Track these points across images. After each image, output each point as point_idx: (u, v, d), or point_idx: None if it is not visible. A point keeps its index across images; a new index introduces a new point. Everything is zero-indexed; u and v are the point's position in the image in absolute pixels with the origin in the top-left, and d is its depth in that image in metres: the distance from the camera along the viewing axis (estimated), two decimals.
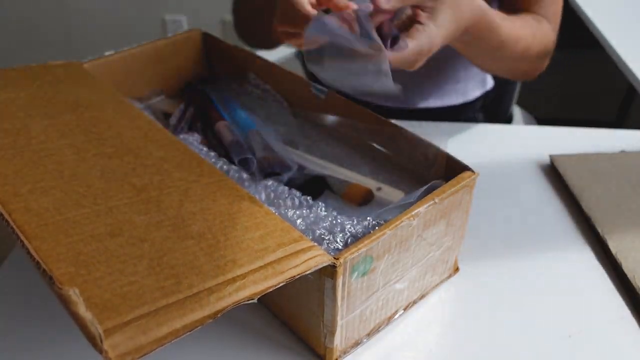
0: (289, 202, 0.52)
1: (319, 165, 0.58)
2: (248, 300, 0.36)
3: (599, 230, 0.63)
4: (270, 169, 0.57)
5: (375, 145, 0.58)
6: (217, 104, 0.68)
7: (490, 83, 1.02)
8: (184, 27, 2.14)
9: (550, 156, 0.75)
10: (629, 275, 0.57)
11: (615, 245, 0.61)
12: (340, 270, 0.40)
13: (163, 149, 0.50)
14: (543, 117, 1.21)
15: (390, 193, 0.55)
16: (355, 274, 0.42)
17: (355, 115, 0.58)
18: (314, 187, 0.56)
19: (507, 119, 1.09)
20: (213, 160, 0.57)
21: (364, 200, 0.54)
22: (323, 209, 0.51)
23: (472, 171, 0.50)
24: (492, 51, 0.69)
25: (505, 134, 0.81)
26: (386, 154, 0.57)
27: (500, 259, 0.61)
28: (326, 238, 0.47)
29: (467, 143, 0.79)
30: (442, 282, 0.55)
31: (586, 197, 0.68)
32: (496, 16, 0.65)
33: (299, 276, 0.38)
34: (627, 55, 1.09)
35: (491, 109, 1.02)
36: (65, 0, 2.12)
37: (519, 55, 0.71)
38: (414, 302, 0.53)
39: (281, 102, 0.64)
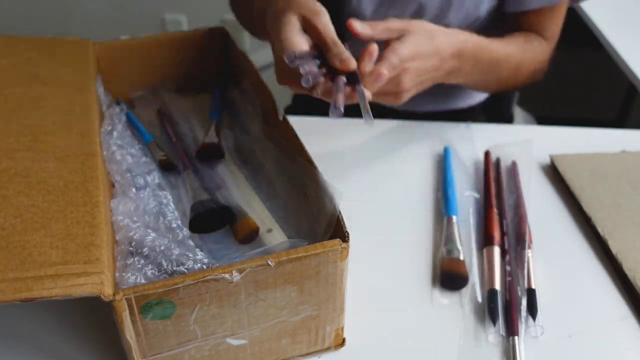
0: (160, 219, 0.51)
1: (236, 190, 0.57)
2: None
3: (600, 230, 0.63)
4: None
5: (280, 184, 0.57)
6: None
7: None
8: (183, 27, 2.14)
9: (551, 156, 0.74)
10: (630, 275, 0.57)
11: (615, 245, 0.60)
12: (120, 305, 0.39)
13: (67, 140, 0.51)
14: (543, 116, 1.21)
15: (278, 238, 0.51)
16: (150, 314, 0.41)
17: (292, 145, 0.56)
18: (219, 217, 0.54)
19: (508, 119, 1.09)
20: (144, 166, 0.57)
21: (246, 237, 0.52)
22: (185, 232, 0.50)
23: (345, 240, 0.44)
24: (487, 72, 0.72)
25: (506, 134, 0.81)
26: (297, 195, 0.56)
27: None
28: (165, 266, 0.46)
29: (467, 143, 0.78)
30: (314, 352, 0.51)
31: (586, 197, 0.67)
32: (482, 40, 0.69)
33: (53, 298, 0.38)
34: (628, 55, 1.09)
35: (492, 110, 1.02)
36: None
37: (512, 72, 0.75)
38: None
39: (258, 115, 0.65)
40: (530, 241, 0.62)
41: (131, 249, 0.47)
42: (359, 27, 0.61)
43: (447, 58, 0.65)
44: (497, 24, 0.88)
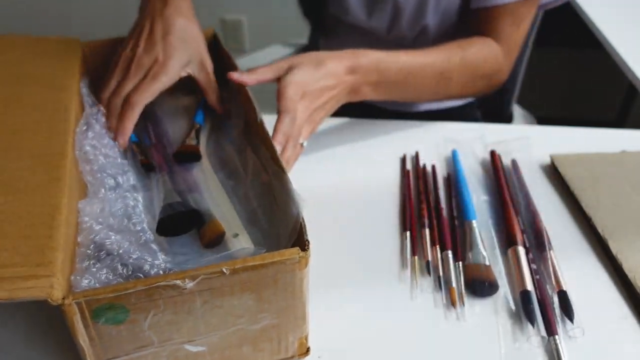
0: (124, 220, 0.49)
1: (209, 194, 0.55)
2: None
3: (600, 230, 0.61)
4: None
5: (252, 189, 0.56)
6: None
7: None
8: None
9: (551, 156, 0.73)
10: (630, 275, 0.56)
11: (615, 246, 0.59)
12: (70, 309, 0.38)
13: (39, 140, 0.49)
14: (543, 116, 1.20)
15: (243, 243, 0.49)
16: (102, 319, 0.40)
17: (267, 149, 0.55)
18: (187, 220, 0.52)
19: (507, 118, 1.09)
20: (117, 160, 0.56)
21: (211, 242, 0.50)
22: (149, 235, 0.48)
23: (304, 249, 0.42)
24: (402, 83, 0.72)
25: (506, 133, 0.81)
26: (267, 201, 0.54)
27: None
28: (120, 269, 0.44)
29: (467, 143, 0.78)
30: None
31: (586, 197, 0.66)
32: (386, 53, 0.69)
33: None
34: (628, 55, 1.08)
35: (491, 108, 1.02)
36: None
37: (437, 79, 0.74)
38: None
39: (240, 117, 0.63)
40: (549, 241, 0.60)
41: (89, 251, 0.45)
42: (240, 76, 0.61)
43: (341, 75, 0.66)
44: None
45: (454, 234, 0.61)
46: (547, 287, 0.55)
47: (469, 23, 0.81)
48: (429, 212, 0.64)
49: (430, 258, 0.59)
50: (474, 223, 0.62)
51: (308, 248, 0.42)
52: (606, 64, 1.25)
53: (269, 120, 0.57)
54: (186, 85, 0.75)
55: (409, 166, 0.74)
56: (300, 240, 0.44)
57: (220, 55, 0.72)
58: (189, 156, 0.60)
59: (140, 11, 0.67)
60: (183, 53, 0.62)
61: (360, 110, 1.00)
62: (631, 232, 0.61)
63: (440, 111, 0.96)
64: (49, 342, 0.51)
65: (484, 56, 0.77)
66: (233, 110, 0.65)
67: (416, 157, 0.75)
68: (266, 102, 0.63)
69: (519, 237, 0.60)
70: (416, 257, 0.59)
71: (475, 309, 0.54)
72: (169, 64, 0.60)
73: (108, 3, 2.10)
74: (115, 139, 0.58)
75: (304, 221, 0.44)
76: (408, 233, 0.62)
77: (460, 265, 0.58)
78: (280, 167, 0.49)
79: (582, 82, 1.90)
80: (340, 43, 0.93)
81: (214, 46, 0.73)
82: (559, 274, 0.56)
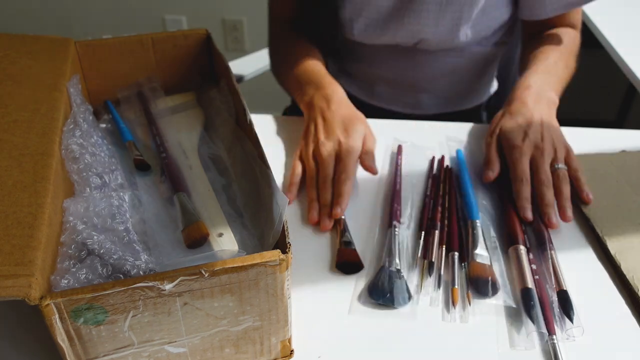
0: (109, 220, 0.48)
1: (197, 193, 0.55)
2: None
3: (599, 230, 0.61)
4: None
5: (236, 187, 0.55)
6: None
7: (496, 82, 1.02)
8: (183, 27, 2.14)
9: None
10: (628, 275, 0.55)
11: (614, 246, 0.58)
12: (48, 309, 0.37)
13: (26, 139, 0.49)
14: None
15: (227, 243, 0.49)
16: (81, 319, 0.39)
17: (255, 148, 0.54)
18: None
19: None
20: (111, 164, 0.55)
21: (194, 243, 0.49)
22: (133, 236, 0.47)
23: (285, 252, 0.41)
24: (559, 72, 0.80)
25: None
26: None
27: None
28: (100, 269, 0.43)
29: (467, 143, 0.77)
30: None
31: None
32: (536, 66, 0.78)
33: None
34: (627, 55, 1.08)
35: (492, 107, 1.02)
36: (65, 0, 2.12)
37: (566, 73, 0.82)
38: None
39: (232, 116, 0.63)
40: (551, 241, 0.60)
41: (70, 251, 0.44)
42: (493, 173, 0.68)
43: (527, 103, 0.72)
44: (510, 28, 0.88)
45: (460, 235, 0.61)
46: (547, 287, 0.55)
47: (535, 25, 0.87)
48: (442, 214, 0.63)
49: (434, 258, 0.58)
50: (478, 222, 0.61)
51: (289, 251, 0.41)
52: (606, 64, 1.25)
53: (257, 121, 0.56)
54: (183, 84, 0.75)
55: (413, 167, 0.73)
56: (282, 242, 0.43)
57: (212, 55, 0.72)
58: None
59: (307, 111, 0.76)
60: (358, 131, 0.70)
61: (366, 110, 1.00)
62: (630, 232, 0.61)
63: (454, 113, 0.96)
64: (30, 341, 0.50)
65: (572, 39, 0.85)
66: (224, 109, 0.64)
67: (438, 161, 0.74)
68: (255, 103, 0.63)
69: (519, 236, 0.59)
70: (425, 261, 0.58)
71: (476, 308, 0.54)
72: (351, 142, 0.68)
73: (107, 3, 2.10)
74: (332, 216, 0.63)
75: (286, 222, 0.43)
76: (423, 233, 0.62)
77: (464, 265, 0.57)
78: (267, 165, 0.48)
79: (582, 82, 1.90)
80: (354, 57, 0.93)
81: (207, 46, 0.73)
82: (559, 273, 0.56)
